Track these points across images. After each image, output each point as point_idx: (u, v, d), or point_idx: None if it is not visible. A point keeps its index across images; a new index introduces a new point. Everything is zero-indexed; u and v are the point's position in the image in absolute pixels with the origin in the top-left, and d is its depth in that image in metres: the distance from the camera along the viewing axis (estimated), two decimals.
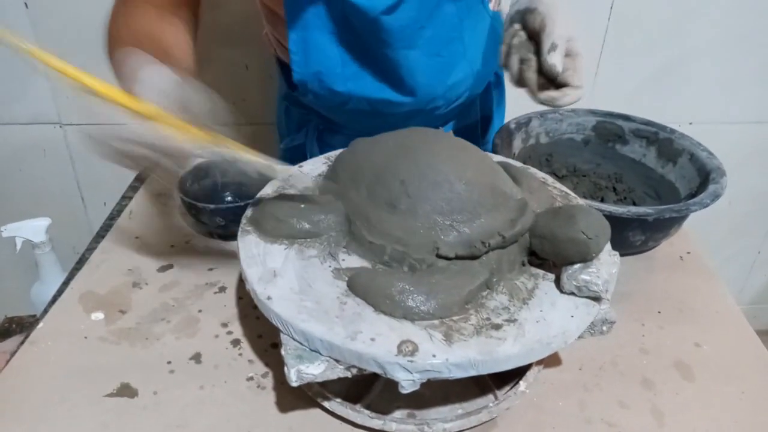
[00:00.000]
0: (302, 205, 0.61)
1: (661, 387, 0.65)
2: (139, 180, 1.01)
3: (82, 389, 0.62)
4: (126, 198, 0.96)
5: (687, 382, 0.66)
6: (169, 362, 0.66)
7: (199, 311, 0.73)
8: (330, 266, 0.57)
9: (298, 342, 0.52)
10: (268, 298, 0.54)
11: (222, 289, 0.77)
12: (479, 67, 0.84)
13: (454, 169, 0.58)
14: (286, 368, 0.50)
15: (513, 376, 0.62)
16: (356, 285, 0.54)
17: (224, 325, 0.71)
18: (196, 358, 0.67)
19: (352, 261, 0.58)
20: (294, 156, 0.94)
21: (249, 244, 0.60)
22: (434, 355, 0.48)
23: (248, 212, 0.64)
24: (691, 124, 1.37)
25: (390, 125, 0.74)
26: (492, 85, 0.98)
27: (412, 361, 0.48)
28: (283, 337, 0.53)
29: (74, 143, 1.41)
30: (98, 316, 0.72)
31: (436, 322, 0.51)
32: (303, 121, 0.94)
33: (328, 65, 0.75)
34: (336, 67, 0.75)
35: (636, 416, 0.62)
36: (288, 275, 0.56)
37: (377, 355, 0.48)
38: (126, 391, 0.63)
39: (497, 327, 0.51)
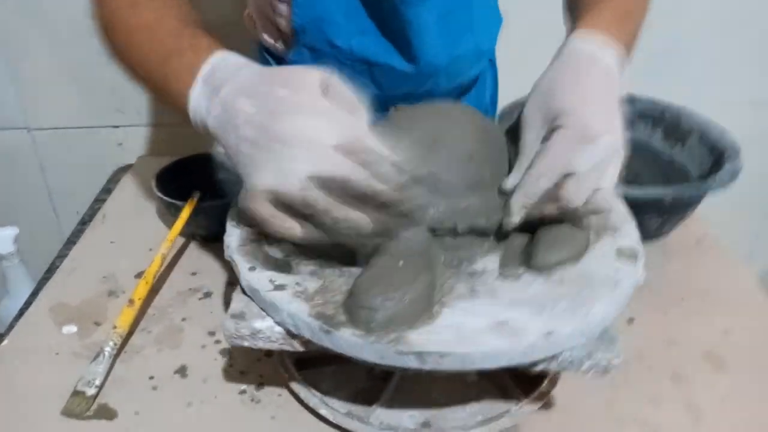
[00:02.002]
0: None
1: (693, 380, 0.60)
2: (114, 181, 0.94)
3: (53, 412, 0.55)
4: (99, 201, 0.89)
5: (720, 374, 0.61)
6: (151, 377, 0.59)
7: (183, 319, 0.66)
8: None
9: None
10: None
11: (207, 295, 0.70)
12: (482, 45, 0.79)
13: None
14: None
15: (535, 376, 0.57)
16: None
17: (211, 333, 0.65)
18: (182, 371, 0.60)
19: None
20: None
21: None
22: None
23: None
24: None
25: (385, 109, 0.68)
26: (487, 68, 0.93)
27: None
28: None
29: (44, 149, 1.32)
30: (70, 329, 0.65)
31: None
32: None
33: (333, 12, 0.68)
34: (340, 16, 0.69)
35: (670, 413, 0.56)
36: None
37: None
38: (104, 412, 0.55)
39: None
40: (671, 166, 0.87)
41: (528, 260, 0.50)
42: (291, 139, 0.43)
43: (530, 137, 0.52)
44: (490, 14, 0.80)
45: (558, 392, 0.56)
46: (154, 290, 0.70)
